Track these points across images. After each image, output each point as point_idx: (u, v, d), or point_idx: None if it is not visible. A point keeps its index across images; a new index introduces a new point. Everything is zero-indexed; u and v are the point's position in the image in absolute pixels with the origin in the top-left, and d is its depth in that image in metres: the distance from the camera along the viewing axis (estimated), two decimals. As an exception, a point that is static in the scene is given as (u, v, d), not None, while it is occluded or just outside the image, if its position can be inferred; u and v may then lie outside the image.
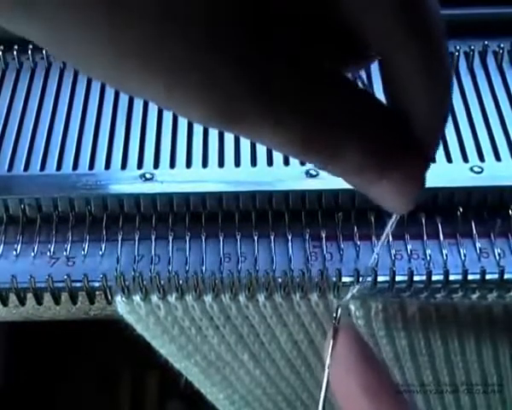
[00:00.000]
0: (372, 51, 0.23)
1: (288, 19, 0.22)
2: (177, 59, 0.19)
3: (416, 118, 0.23)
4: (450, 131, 0.39)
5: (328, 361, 0.30)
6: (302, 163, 0.36)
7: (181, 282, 0.34)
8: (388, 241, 0.36)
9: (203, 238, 0.36)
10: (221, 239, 0.36)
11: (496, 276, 0.34)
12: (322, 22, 0.23)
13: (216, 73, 0.20)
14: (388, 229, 0.29)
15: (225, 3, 0.19)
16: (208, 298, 0.34)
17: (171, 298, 0.34)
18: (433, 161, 0.25)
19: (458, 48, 0.42)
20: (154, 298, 0.34)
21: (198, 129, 0.39)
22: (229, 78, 0.20)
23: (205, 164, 0.37)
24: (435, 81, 0.23)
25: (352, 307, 0.35)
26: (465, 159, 0.38)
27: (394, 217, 0.28)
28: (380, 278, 0.34)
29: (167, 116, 0.40)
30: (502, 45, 0.43)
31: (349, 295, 0.34)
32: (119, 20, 0.19)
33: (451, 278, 0.34)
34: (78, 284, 0.34)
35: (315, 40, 0.23)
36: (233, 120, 0.21)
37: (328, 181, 0.35)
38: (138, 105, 0.40)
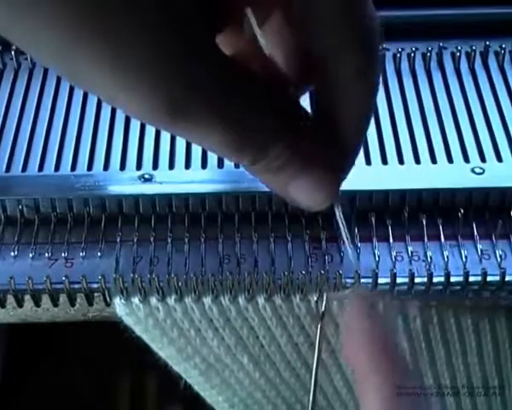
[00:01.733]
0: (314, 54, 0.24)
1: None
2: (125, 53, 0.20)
3: (341, 119, 0.24)
4: (451, 131, 0.39)
5: (316, 354, 0.30)
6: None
7: (180, 284, 0.34)
8: (389, 242, 0.35)
9: (202, 240, 0.36)
10: (220, 240, 0.36)
11: (497, 278, 0.34)
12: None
13: (160, 69, 0.20)
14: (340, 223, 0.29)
15: None
16: (208, 300, 0.34)
17: (171, 300, 0.34)
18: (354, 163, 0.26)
19: (460, 48, 0.42)
20: (153, 300, 0.34)
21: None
22: (174, 75, 0.21)
23: (204, 165, 0.37)
24: (365, 86, 0.24)
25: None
26: (466, 159, 0.37)
27: (337, 211, 0.28)
28: (380, 280, 0.34)
29: (166, 117, 0.40)
30: (503, 46, 0.43)
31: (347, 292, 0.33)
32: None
33: (452, 279, 0.34)
34: (77, 286, 0.34)
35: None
36: (176, 116, 0.21)
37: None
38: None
